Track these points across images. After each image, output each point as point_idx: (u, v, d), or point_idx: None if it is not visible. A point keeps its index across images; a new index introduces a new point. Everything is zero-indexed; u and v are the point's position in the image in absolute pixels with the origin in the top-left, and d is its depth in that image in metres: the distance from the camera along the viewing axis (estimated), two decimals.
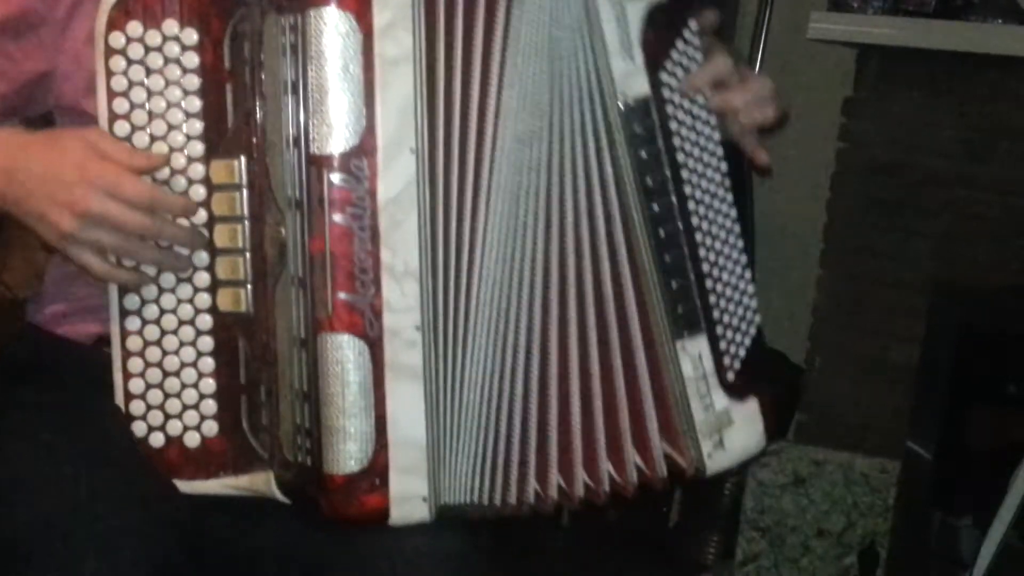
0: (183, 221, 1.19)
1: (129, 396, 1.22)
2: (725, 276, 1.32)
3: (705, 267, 1.30)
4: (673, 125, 1.29)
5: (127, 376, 1.21)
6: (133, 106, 1.19)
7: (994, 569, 2.35)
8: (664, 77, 1.29)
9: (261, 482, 1.22)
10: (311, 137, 1.15)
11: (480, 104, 1.21)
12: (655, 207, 1.28)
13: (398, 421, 1.18)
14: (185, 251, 1.20)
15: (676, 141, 1.29)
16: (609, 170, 1.27)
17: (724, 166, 1.32)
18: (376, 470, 1.17)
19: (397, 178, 1.17)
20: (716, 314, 1.30)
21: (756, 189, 3.08)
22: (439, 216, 1.19)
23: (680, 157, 1.29)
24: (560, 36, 1.24)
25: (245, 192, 1.20)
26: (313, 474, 1.18)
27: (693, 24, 1.30)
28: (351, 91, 1.15)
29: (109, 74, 1.18)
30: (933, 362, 2.61)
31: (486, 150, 1.21)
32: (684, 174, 1.29)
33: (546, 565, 3.07)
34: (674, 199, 1.28)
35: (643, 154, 1.27)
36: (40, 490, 1.16)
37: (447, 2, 1.19)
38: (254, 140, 1.19)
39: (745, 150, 1.38)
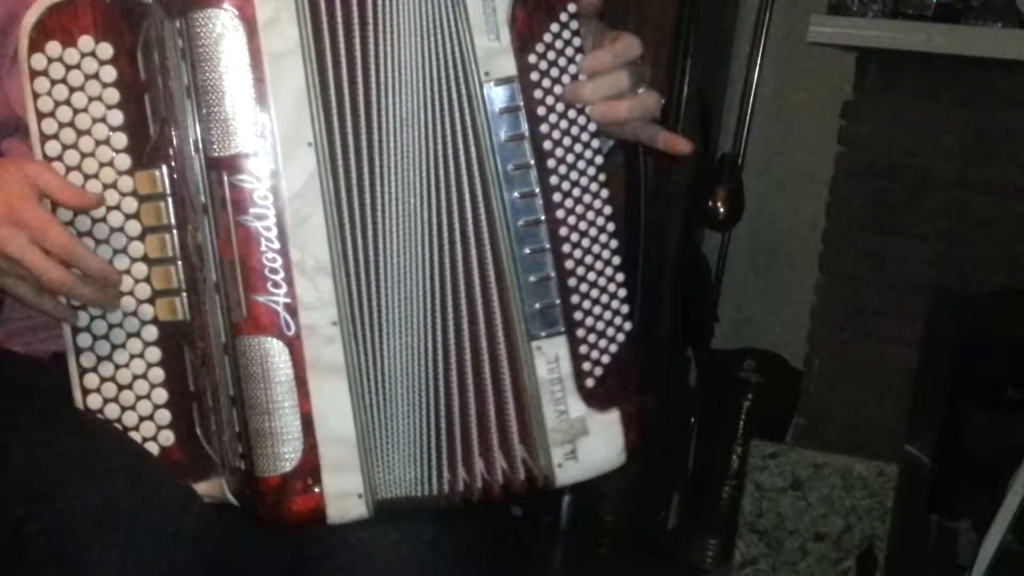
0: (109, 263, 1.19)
1: (89, 412, 1.21)
2: (592, 276, 1.25)
3: (569, 264, 1.24)
4: (541, 111, 1.23)
5: (85, 392, 1.21)
6: (61, 125, 1.19)
7: (992, 572, 2.35)
8: (533, 60, 1.23)
9: (216, 488, 1.21)
10: (209, 140, 1.15)
11: (365, 90, 1.19)
12: (515, 195, 1.23)
13: (325, 418, 1.17)
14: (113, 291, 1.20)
15: (544, 128, 1.23)
16: (473, 153, 1.23)
17: (600, 161, 1.25)
18: (307, 470, 1.17)
19: (298, 173, 1.16)
20: (578, 316, 1.24)
21: (757, 191, 3.09)
22: (344, 208, 1.18)
23: (547, 145, 1.23)
24: (428, 12, 1.22)
25: (170, 201, 1.20)
26: (247, 479, 1.18)
27: (571, 7, 1.25)
28: (242, 90, 1.15)
29: (35, 96, 1.18)
30: (932, 366, 2.61)
31: (375, 136, 1.20)
32: (551, 163, 1.23)
33: (545, 568, 3.07)
34: (537, 189, 1.23)
35: (504, 138, 1.23)
36: (67, 494, 1.14)
37: None
38: (171, 148, 1.19)
39: (653, 144, 1.31)
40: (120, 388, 1.21)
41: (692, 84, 3.05)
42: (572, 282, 1.24)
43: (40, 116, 1.19)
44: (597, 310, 1.25)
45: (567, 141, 1.25)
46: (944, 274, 2.73)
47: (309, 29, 1.17)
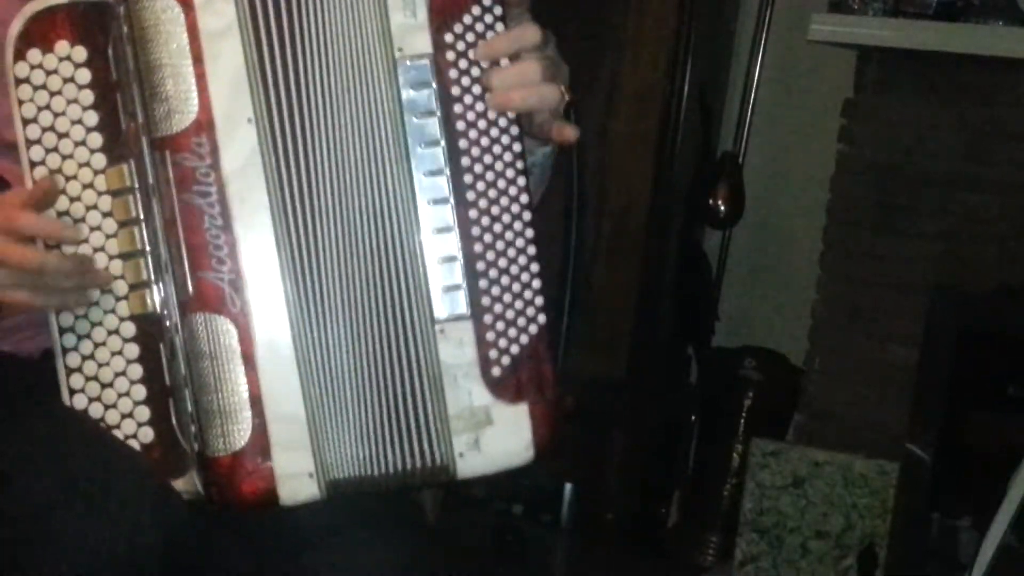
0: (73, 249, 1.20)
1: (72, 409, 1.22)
2: (503, 263, 1.22)
3: (478, 247, 1.21)
4: (455, 91, 1.22)
5: (72, 393, 1.22)
6: (43, 130, 1.21)
7: (993, 570, 2.35)
8: (449, 39, 1.21)
9: (191, 483, 1.21)
10: (153, 120, 1.17)
11: (301, 66, 1.20)
12: (422, 172, 1.21)
13: (274, 397, 1.18)
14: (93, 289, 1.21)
15: (457, 108, 1.21)
16: (389, 130, 1.22)
17: (518, 149, 1.22)
18: (257, 448, 1.17)
19: (240, 150, 1.18)
20: (486, 301, 1.21)
21: (758, 190, 3.09)
22: (284, 184, 1.19)
23: (460, 125, 1.22)
24: None
25: (137, 194, 1.21)
26: (200, 459, 1.18)
27: (492, 7, 1.23)
28: (178, 70, 1.17)
29: (20, 103, 1.21)
30: (932, 364, 2.61)
31: (311, 112, 1.20)
32: (462, 144, 1.21)
33: (546, 566, 3.08)
34: (445, 168, 1.21)
35: (414, 117, 1.21)
36: (51, 466, 1.15)
37: None
38: (136, 141, 1.21)
39: (550, 135, 1.27)
40: (103, 386, 1.22)
41: (693, 82, 3.05)
42: (480, 266, 1.22)
43: (25, 122, 1.21)
44: (507, 298, 1.22)
45: (482, 124, 1.22)
46: (944, 272, 2.73)
47: (245, 6, 1.18)
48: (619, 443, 3.06)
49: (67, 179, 1.21)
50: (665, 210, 3.08)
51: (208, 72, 1.17)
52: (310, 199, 1.20)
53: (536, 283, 1.23)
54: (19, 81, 1.21)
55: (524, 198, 1.22)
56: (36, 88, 1.21)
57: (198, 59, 1.17)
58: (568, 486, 3.04)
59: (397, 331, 1.22)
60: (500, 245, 1.22)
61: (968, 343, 2.55)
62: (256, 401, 1.17)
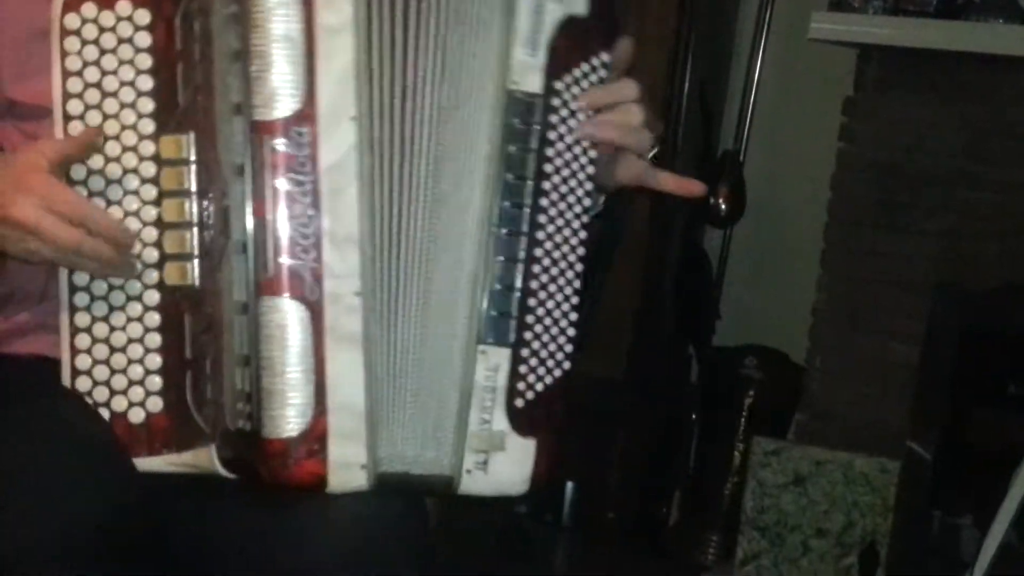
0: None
1: (76, 372, 1.22)
2: (551, 304, 1.28)
3: (534, 285, 1.27)
4: (552, 135, 1.27)
5: (74, 352, 1.22)
6: (87, 85, 1.20)
7: (994, 569, 2.35)
8: (559, 86, 1.27)
9: (204, 458, 1.22)
10: (254, 104, 1.17)
11: (410, 73, 1.22)
12: (506, 204, 1.26)
13: (338, 387, 1.18)
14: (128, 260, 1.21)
15: (550, 152, 1.27)
16: (484, 152, 1.26)
17: (588, 203, 1.29)
18: (315, 435, 1.17)
19: (339, 145, 1.18)
20: (528, 336, 1.27)
21: (758, 188, 3.09)
22: (376, 185, 1.20)
23: (548, 168, 1.27)
24: (480, 10, 1.25)
25: (193, 167, 1.21)
26: (253, 440, 1.18)
27: (605, 56, 1.29)
28: (292, 59, 1.16)
29: (64, 54, 1.20)
30: (934, 362, 2.61)
31: (414, 119, 1.22)
32: (546, 186, 1.27)
33: (548, 564, 3.08)
34: (527, 207, 1.26)
35: (512, 149, 1.26)
36: None
37: None
38: (202, 115, 1.21)
39: (658, 186, 1.33)
40: (112, 351, 1.22)
41: (693, 81, 3.05)
42: (532, 302, 1.27)
43: (66, 74, 1.20)
44: (546, 337, 1.28)
45: (566, 172, 1.28)
46: (945, 270, 2.73)
47: (363, 7, 1.19)
48: (620, 442, 3.07)
49: (106, 139, 1.21)
50: (666, 209, 3.08)
51: (319, 66, 1.17)
52: (399, 202, 1.22)
53: (571, 330, 1.29)
54: (67, 32, 1.20)
55: (582, 250, 1.28)
56: (86, 42, 1.20)
57: (311, 52, 1.17)
58: (569, 485, 3.04)
59: (451, 342, 1.25)
60: (552, 287, 1.28)
61: (969, 341, 2.55)
62: (320, 390, 1.18)
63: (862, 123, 2.83)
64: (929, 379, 2.61)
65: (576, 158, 1.28)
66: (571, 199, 1.28)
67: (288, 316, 1.17)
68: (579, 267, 1.28)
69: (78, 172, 1.20)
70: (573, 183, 1.28)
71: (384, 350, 1.22)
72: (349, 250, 1.18)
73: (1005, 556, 2.34)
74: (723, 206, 3.02)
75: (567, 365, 1.29)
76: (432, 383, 1.25)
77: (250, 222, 1.18)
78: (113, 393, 1.22)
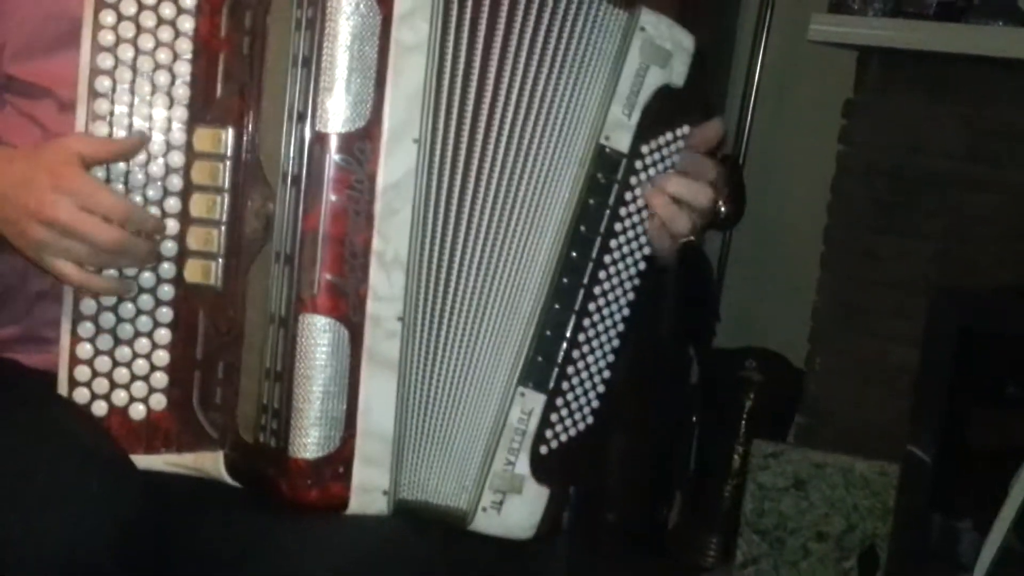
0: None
1: (75, 361, 1.18)
2: (591, 359, 1.29)
3: (581, 337, 1.27)
4: (628, 196, 1.28)
5: (75, 340, 1.18)
6: (119, 63, 1.17)
7: (994, 571, 2.34)
8: (644, 150, 1.28)
9: (208, 462, 1.20)
10: (317, 114, 1.13)
11: (480, 99, 1.21)
12: (573, 254, 1.26)
13: (369, 411, 1.17)
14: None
15: (622, 211, 1.28)
16: (562, 198, 1.27)
17: (643, 267, 1.30)
18: (341, 458, 1.16)
19: (398, 166, 1.16)
20: (565, 386, 1.27)
21: (758, 191, 3.09)
22: (431, 209, 1.19)
23: (617, 227, 1.28)
24: (592, 58, 1.26)
25: (229, 163, 1.18)
26: (276, 456, 1.16)
27: (687, 129, 1.30)
28: (363, 73, 1.14)
29: (97, 27, 1.16)
30: (933, 364, 2.60)
31: (479, 147, 1.21)
32: (612, 243, 1.28)
33: (547, 567, 3.07)
34: (591, 260, 1.27)
35: (591, 201, 1.26)
36: None
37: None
38: (246, 112, 1.18)
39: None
40: (118, 342, 1.19)
41: None
42: (575, 353, 1.28)
43: (97, 48, 1.16)
44: (580, 390, 1.28)
45: (631, 234, 1.29)
46: (945, 272, 2.72)
47: (439, 28, 1.17)
48: (620, 445, 3.06)
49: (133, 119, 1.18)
50: None
51: (388, 84, 1.15)
52: (456, 228, 1.21)
53: (602, 387, 1.30)
54: (103, 5, 1.16)
55: (627, 311, 1.29)
56: (123, 18, 1.17)
57: (382, 68, 1.14)
58: (570, 488, 3.04)
59: (492, 379, 1.25)
60: (596, 343, 1.29)
61: (969, 343, 2.55)
62: (351, 412, 1.16)
63: (862, 125, 2.83)
64: (928, 381, 2.60)
65: (643, 222, 1.29)
66: (629, 260, 1.29)
67: (328, 336, 1.14)
68: (622, 328, 1.29)
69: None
70: (635, 245, 1.29)
71: (421, 378, 1.21)
72: (396, 273, 1.16)
73: (1005, 559, 2.33)
74: (723, 208, 3.01)
75: (592, 420, 1.29)
76: (466, 416, 1.24)
77: (297, 234, 1.14)
78: (114, 386, 1.19)
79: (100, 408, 1.19)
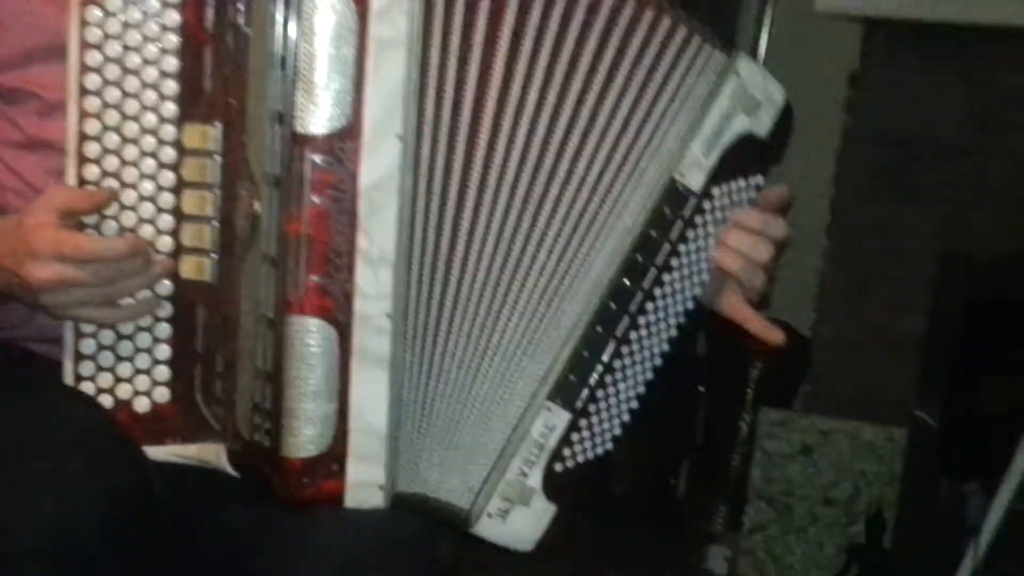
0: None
1: (79, 357, 1.19)
2: (621, 388, 1.28)
3: (617, 364, 1.26)
4: (690, 235, 1.27)
5: (78, 336, 1.19)
6: (107, 59, 1.16)
7: (1001, 534, 2.36)
8: (715, 192, 1.27)
9: (211, 453, 1.20)
10: (296, 115, 1.12)
11: (469, 92, 1.19)
12: (625, 281, 1.26)
13: (361, 408, 1.16)
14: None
15: (681, 249, 1.27)
16: (625, 224, 1.26)
17: (691, 305, 1.29)
18: (334, 456, 1.16)
19: (380, 164, 1.14)
20: (592, 408, 1.27)
21: None
22: (419, 205, 1.18)
23: (673, 263, 1.27)
24: (680, 92, 1.26)
25: (218, 159, 1.17)
26: (269, 455, 1.16)
27: (761, 179, 1.30)
28: (342, 71, 1.12)
29: (83, 24, 1.15)
30: (940, 331, 2.62)
31: (499, 147, 1.20)
32: (665, 278, 1.27)
33: (555, 538, 3.09)
34: (641, 292, 1.26)
35: (652, 233, 1.26)
36: None
37: None
38: (232, 108, 1.17)
39: (743, 323, 1.33)
40: (119, 337, 1.19)
41: None
42: (608, 379, 1.26)
43: (85, 46, 1.16)
44: (604, 416, 1.28)
45: (685, 272, 1.28)
46: (951, 240, 2.74)
47: (419, 22, 1.15)
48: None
49: (124, 117, 1.17)
50: None
51: (368, 81, 1.13)
52: (453, 227, 1.20)
53: (626, 417, 1.29)
54: (87, 1, 1.15)
55: (667, 347, 1.28)
56: (108, 14, 1.16)
57: (361, 66, 1.12)
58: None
59: (514, 385, 1.25)
60: (629, 373, 1.27)
61: (975, 310, 2.56)
62: (343, 411, 1.16)
63: (868, 96, 2.83)
64: (935, 347, 2.62)
65: (698, 264, 1.28)
66: (679, 298, 1.28)
67: (315, 337, 1.14)
68: (658, 362, 1.28)
69: (90, 154, 1.16)
70: (687, 285, 1.28)
71: (418, 373, 1.20)
72: (383, 271, 1.15)
73: (1012, 522, 2.35)
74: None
75: (609, 446, 1.29)
76: (475, 414, 1.24)
77: (281, 236, 1.14)
78: (118, 381, 1.20)
79: (106, 402, 1.20)
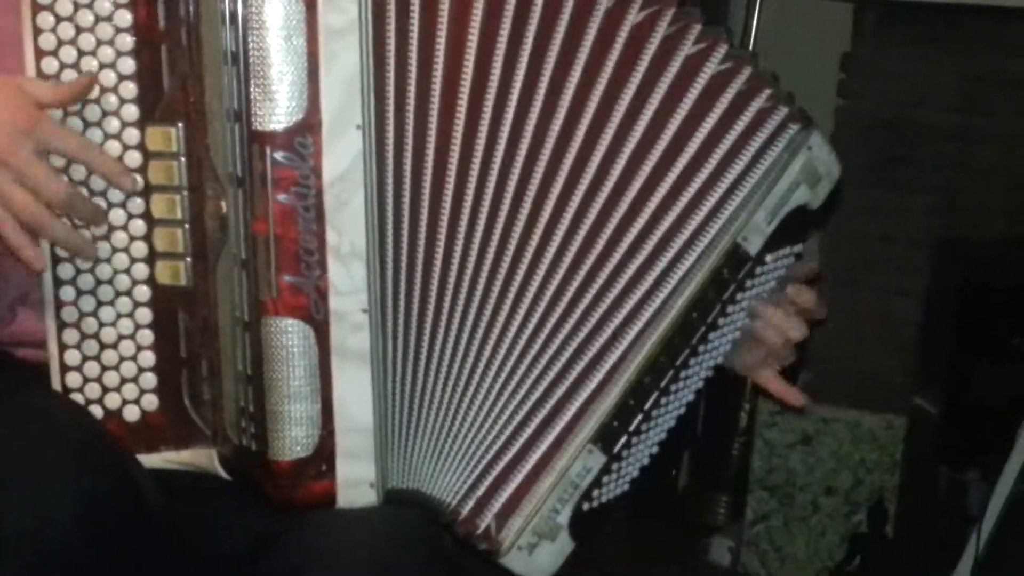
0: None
1: (65, 368, 1.18)
2: (651, 435, 1.30)
3: (654, 413, 1.29)
4: (739, 296, 1.31)
5: (63, 348, 1.18)
6: (63, 66, 1.14)
7: (1002, 522, 2.35)
8: (767, 258, 1.31)
9: (204, 458, 1.20)
10: (252, 112, 1.10)
11: (438, 75, 1.17)
12: (676, 338, 1.28)
13: (345, 406, 1.15)
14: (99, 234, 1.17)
15: (729, 308, 1.30)
16: (688, 291, 1.28)
17: (719, 361, 1.32)
18: (323, 456, 1.15)
19: (343, 155, 1.11)
20: (625, 453, 1.29)
21: None
22: (387, 195, 1.16)
23: (720, 322, 1.30)
24: (755, 158, 1.29)
25: (183, 160, 1.16)
26: (257, 458, 1.15)
27: (800, 247, 1.33)
28: (294, 64, 1.09)
29: (37, 31, 1.13)
30: (937, 317, 2.60)
31: (433, 129, 1.18)
32: (711, 336, 1.30)
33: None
34: (688, 347, 1.29)
35: (709, 293, 1.29)
36: None
37: None
38: (192, 107, 1.15)
39: (763, 384, 1.38)
40: (103, 347, 1.18)
41: None
42: (644, 427, 1.28)
43: (40, 54, 1.14)
44: (632, 460, 1.30)
45: (725, 330, 1.31)
46: (947, 225, 2.72)
47: (369, 7, 1.12)
48: None
49: (87, 124, 1.15)
50: None
51: (322, 71, 1.10)
52: (429, 217, 1.19)
53: (647, 461, 1.31)
54: (39, 7, 1.13)
55: (692, 398, 1.31)
56: (61, 19, 1.14)
57: (314, 56, 1.10)
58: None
59: (550, 418, 1.27)
60: (661, 422, 1.30)
61: (972, 295, 2.54)
62: (327, 409, 1.14)
63: (860, 79, 2.81)
64: (933, 334, 2.60)
65: (735, 324, 1.31)
66: (715, 354, 1.31)
67: (292, 337, 1.13)
68: (683, 411, 1.32)
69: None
70: (723, 343, 1.31)
71: (402, 365, 1.19)
72: (355, 265, 1.13)
73: (1013, 510, 2.34)
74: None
75: (627, 487, 1.31)
76: (476, 408, 1.24)
77: (249, 238, 1.12)
78: (106, 390, 1.19)
79: (96, 413, 1.20)
